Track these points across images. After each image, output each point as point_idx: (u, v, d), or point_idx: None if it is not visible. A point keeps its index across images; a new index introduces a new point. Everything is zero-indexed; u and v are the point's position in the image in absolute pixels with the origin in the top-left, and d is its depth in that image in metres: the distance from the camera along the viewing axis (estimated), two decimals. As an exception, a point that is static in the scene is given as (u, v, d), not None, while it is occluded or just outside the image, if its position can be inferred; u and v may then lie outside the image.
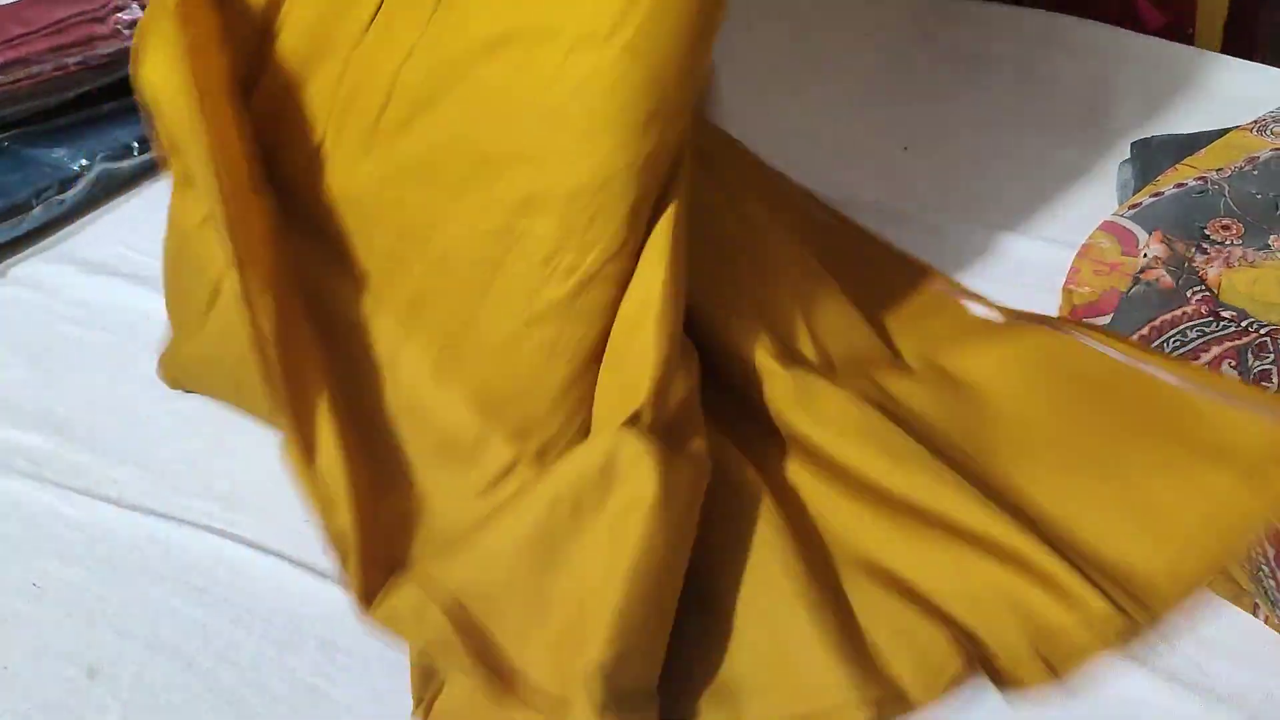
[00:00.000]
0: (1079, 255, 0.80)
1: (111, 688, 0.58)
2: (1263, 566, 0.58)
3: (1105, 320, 0.74)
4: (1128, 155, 0.92)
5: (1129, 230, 0.80)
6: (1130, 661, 0.57)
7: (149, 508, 0.66)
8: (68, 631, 0.60)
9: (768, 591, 0.58)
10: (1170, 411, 0.64)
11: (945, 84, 1.05)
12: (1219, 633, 0.59)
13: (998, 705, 0.56)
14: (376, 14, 0.64)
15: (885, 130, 1.00)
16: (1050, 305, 0.79)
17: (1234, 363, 0.65)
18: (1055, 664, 0.56)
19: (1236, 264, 0.72)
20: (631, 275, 0.61)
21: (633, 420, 0.58)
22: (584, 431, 0.62)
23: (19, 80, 0.91)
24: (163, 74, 0.63)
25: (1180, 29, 1.19)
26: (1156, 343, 0.68)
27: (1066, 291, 0.79)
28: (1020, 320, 0.74)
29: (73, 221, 0.90)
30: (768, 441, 0.66)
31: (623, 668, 0.53)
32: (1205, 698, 0.56)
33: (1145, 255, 0.73)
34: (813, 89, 1.06)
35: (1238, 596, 0.61)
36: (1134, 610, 0.57)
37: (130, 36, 0.95)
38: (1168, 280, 0.71)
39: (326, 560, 0.63)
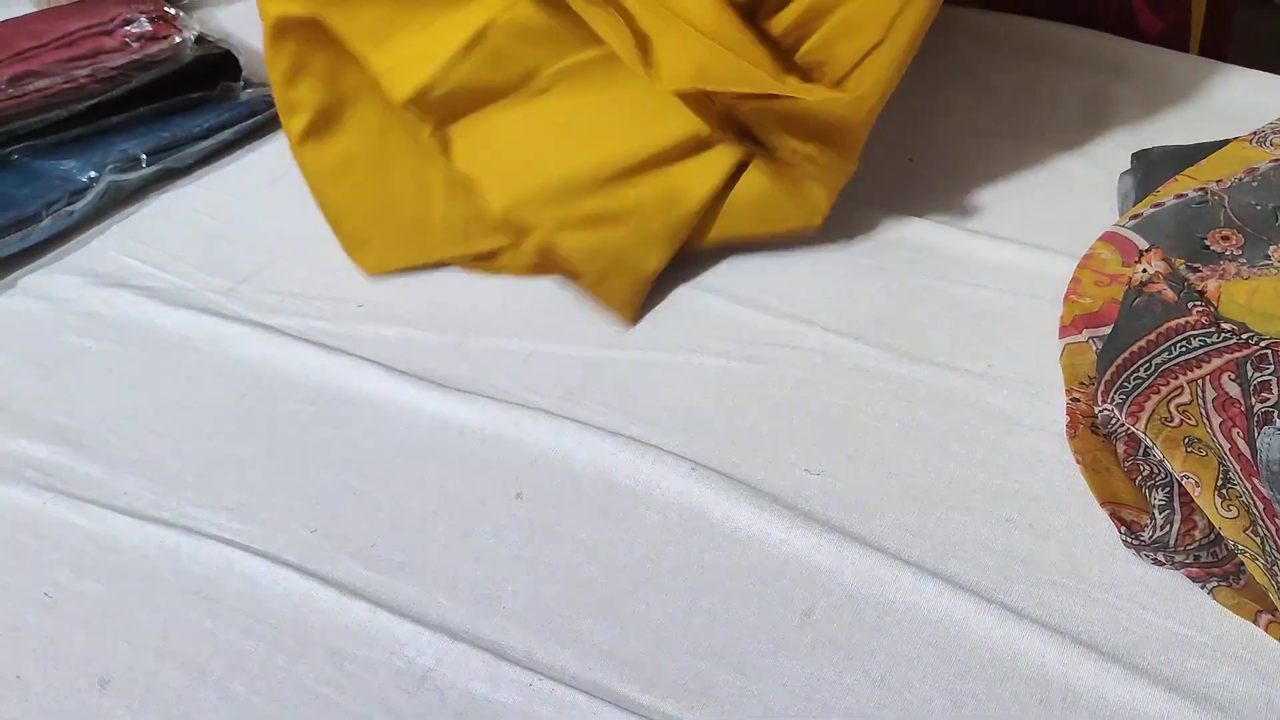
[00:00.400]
0: (1080, 265, 0.81)
1: (123, 697, 0.58)
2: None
3: (1108, 330, 0.74)
4: (1128, 166, 0.92)
5: (1130, 241, 0.80)
6: (1131, 671, 0.58)
7: (159, 518, 0.67)
8: (79, 641, 0.61)
9: None
10: None
11: (946, 94, 1.06)
12: (1219, 641, 0.60)
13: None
14: None
15: (887, 140, 1.01)
16: (1052, 315, 0.80)
17: (1233, 375, 0.65)
18: None
19: (1233, 277, 0.73)
20: None
21: None
22: None
23: (28, 93, 0.91)
24: None
25: (1179, 36, 1.19)
26: (1163, 347, 0.69)
27: (1069, 301, 0.79)
28: None
29: (81, 233, 0.91)
30: None
31: None
32: (1206, 706, 0.56)
33: (1145, 271, 0.74)
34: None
35: (1239, 605, 0.61)
36: None
37: (138, 49, 0.96)
38: (1170, 294, 0.71)
39: (333, 569, 0.64)
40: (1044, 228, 0.89)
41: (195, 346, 0.80)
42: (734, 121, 0.81)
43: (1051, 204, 0.92)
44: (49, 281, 0.86)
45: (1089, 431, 0.70)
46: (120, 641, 0.61)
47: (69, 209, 0.90)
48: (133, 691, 0.59)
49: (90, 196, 0.91)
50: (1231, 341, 0.67)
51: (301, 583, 0.63)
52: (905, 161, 0.98)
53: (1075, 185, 0.94)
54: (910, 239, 0.89)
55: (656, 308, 0.83)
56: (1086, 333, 0.76)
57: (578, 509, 0.68)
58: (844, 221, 0.91)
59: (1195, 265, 0.75)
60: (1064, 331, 0.77)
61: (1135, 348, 0.69)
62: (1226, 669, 0.58)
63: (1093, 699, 0.57)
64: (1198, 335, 0.68)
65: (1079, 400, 0.72)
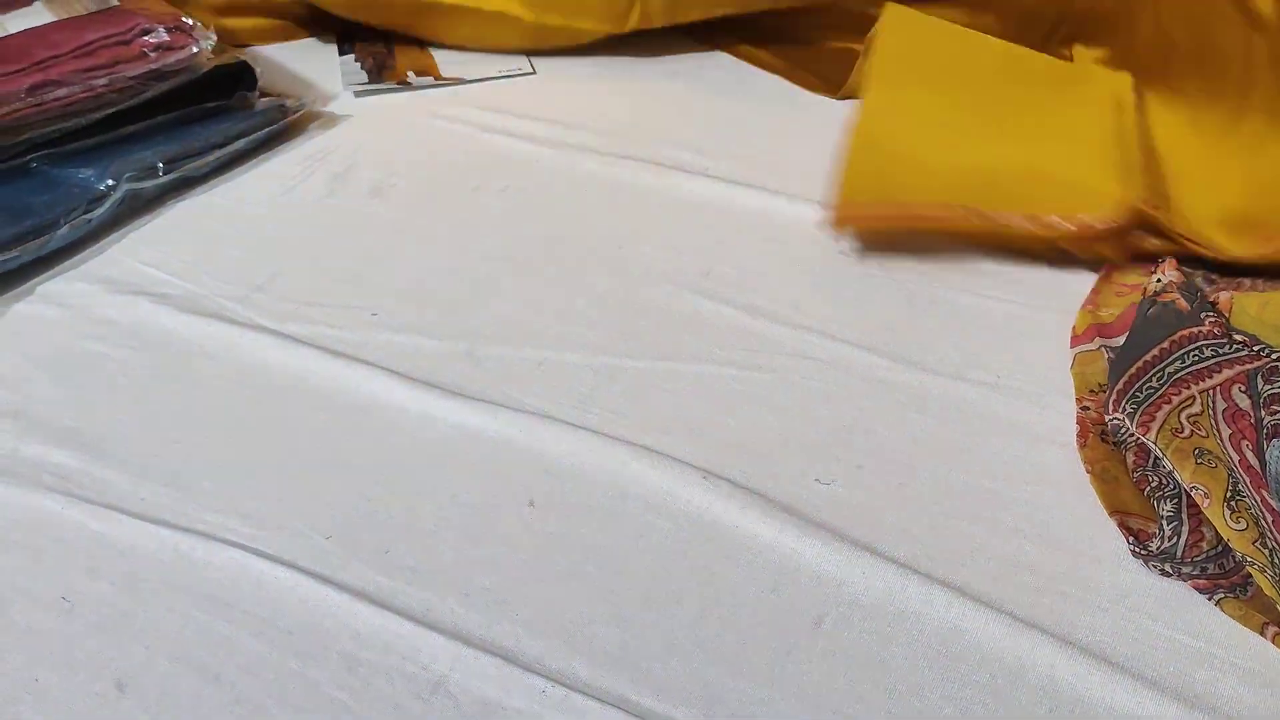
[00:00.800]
0: (1102, 279, 0.81)
1: (140, 700, 0.59)
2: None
3: (1121, 339, 0.75)
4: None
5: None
6: (1140, 681, 0.58)
7: (175, 523, 0.67)
8: (96, 645, 0.61)
9: None
10: None
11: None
12: (1230, 654, 0.60)
13: None
14: None
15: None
16: (1062, 326, 0.80)
17: (1243, 386, 0.66)
18: None
19: (1247, 289, 0.73)
20: None
21: None
22: None
23: (47, 102, 0.92)
24: None
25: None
26: (1175, 356, 0.69)
27: (1085, 311, 0.79)
28: None
29: (98, 240, 0.92)
30: None
31: None
32: (1215, 717, 0.57)
33: (1159, 281, 0.74)
34: (818, 113, 1.08)
35: (1246, 617, 0.61)
36: None
37: (156, 59, 0.97)
38: (1184, 303, 0.72)
39: (347, 575, 0.65)
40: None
41: (210, 353, 0.80)
42: None
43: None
44: (66, 288, 0.87)
45: (1099, 440, 0.71)
46: (137, 646, 0.61)
47: (87, 216, 0.90)
48: (148, 695, 0.59)
49: (108, 204, 0.92)
50: (1243, 353, 0.67)
51: (316, 588, 0.63)
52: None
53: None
54: (924, 252, 0.89)
55: (667, 316, 0.83)
56: (1099, 341, 0.76)
57: (589, 517, 0.68)
58: (855, 232, 0.91)
59: (1211, 276, 0.75)
60: (1076, 340, 0.78)
61: (1148, 356, 0.70)
62: (1235, 680, 0.59)
63: (1102, 709, 0.57)
64: (1210, 345, 0.68)
65: (1089, 409, 0.73)
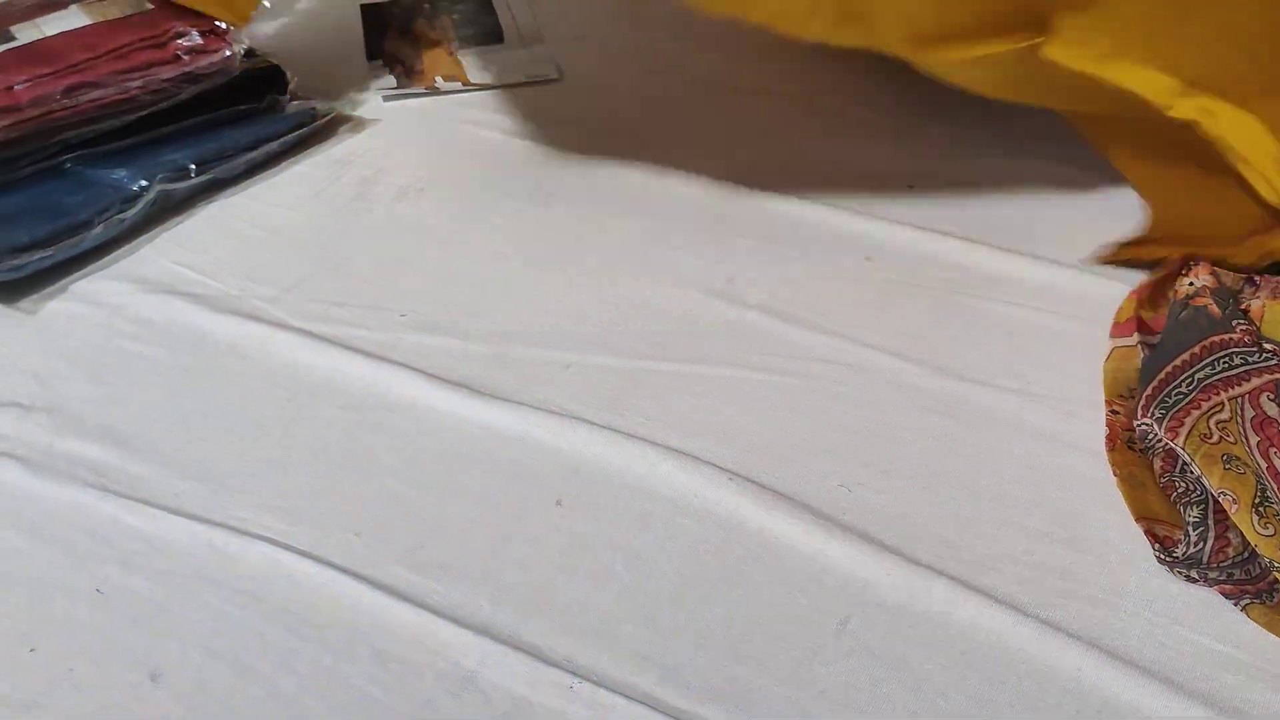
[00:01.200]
0: (1166, 275, 0.81)
1: (173, 692, 0.59)
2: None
3: (1156, 339, 0.75)
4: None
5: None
6: (1168, 685, 0.58)
7: (209, 519, 0.68)
8: (130, 637, 0.62)
9: None
10: None
11: (975, 116, 1.06)
12: (1257, 659, 0.60)
13: None
14: None
15: (919, 159, 1.02)
16: (1090, 334, 0.80)
17: (1272, 395, 0.66)
18: None
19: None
20: None
21: None
22: None
23: (82, 103, 0.93)
24: None
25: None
26: (1206, 361, 0.69)
27: (1131, 300, 0.80)
28: None
29: (131, 240, 0.93)
30: None
31: None
32: (1242, 722, 0.57)
33: (1192, 285, 0.74)
34: (840, 120, 1.08)
35: (1272, 622, 0.61)
36: None
37: (189, 62, 0.98)
38: (1215, 309, 0.72)
39: (378, 572, 0.65)
40: (1082, 248, 0.90)
41: (242, 353, 0.81)
42: None
43: (1090, 224, 0.92)
44: (100, 287, 0.88)
45: (1126, 446, 0.71)
46: (171, 638, 0.62)
47: (120, 216, 0.91)
48: (182, 687, 0.60)
49: (140, 205, 0.92)
50: (1272, 362, 0.68)
51: (348, 585, 0.64)
52: (939, 180, 0.99)
53: (1113, 206, 0.94)
54: (947, 257, 0.89)
55: (694, 320, 0.84)
56: (1138, 336, 0.76)
57: (617, 517, 0.69)
58: (881, 239, 0.92)
59: (1253, 278, 0.76)
60: (1116, 329, 0.78)
61: (1179, 361, 0.70)
62: (1262, 685, 0.59)
63: (1128, 712, 0.58)
64: (1239, 353, 0.69)
65: (1118, 413, 0.73)
